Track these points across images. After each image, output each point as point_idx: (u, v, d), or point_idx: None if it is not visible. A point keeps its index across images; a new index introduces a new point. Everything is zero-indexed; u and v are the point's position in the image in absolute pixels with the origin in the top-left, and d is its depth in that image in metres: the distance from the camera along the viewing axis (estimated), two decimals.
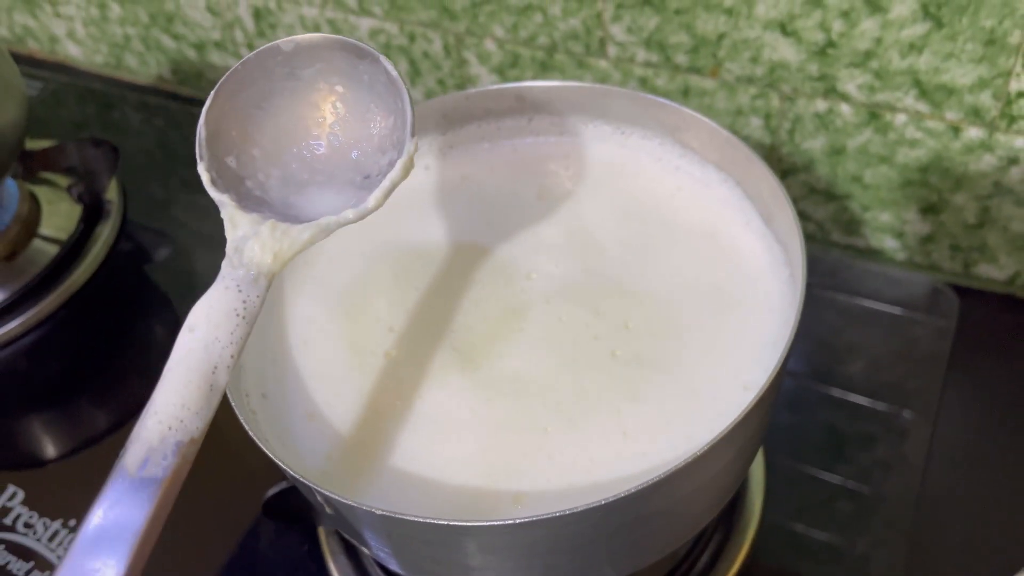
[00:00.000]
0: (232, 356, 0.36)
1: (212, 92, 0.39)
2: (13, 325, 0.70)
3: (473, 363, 0.46)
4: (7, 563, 0.57)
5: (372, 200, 0.38)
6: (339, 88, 0.40)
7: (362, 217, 0.38)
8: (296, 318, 0.50)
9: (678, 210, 0.51)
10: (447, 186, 0.55)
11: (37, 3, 0.93)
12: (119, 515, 0.34)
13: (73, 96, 0.93)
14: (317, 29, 0.78)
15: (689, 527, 0.45)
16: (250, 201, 0.38)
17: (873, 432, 0.58)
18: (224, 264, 0.37)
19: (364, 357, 0.47)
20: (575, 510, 0.35)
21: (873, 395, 0.60)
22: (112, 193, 0.77)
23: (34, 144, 0.79)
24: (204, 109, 0.38)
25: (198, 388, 0.35)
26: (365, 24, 0.75)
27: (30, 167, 0.77)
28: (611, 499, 0.35)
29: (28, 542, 0.58)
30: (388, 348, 0.48)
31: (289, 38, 0.38)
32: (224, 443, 0.62)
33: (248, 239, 0.37)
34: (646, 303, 0.47)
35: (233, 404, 0.41)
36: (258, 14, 0.80)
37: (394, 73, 0.38)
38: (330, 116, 0.40)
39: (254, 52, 0.39)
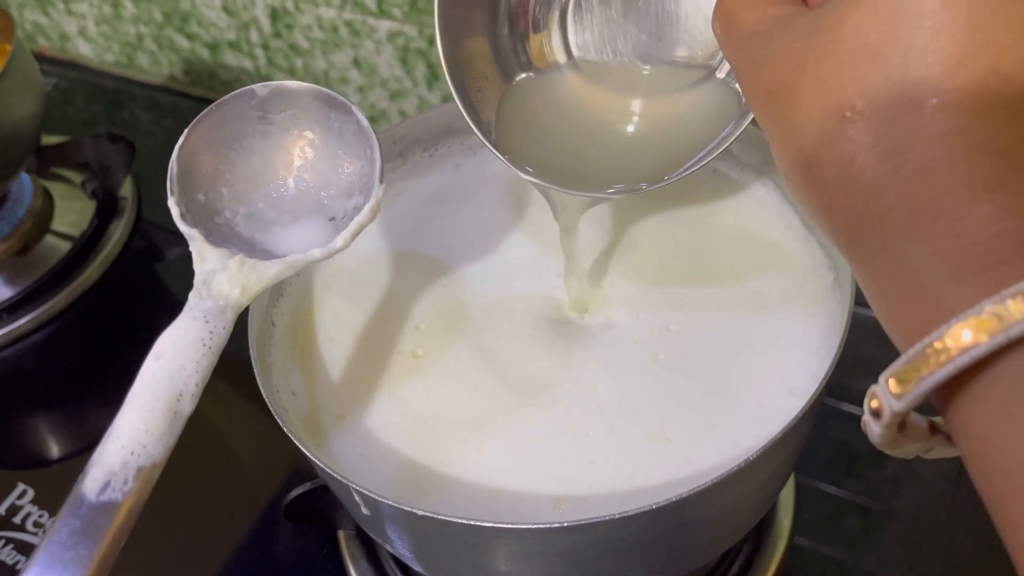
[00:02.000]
0: (197, 385, 0.37)
1: (186, 130, 0.40)
2: (24, 321, 0.69)
3: (504, 365, 0.45)
4: (16, 562, 0.56)
5: (340, 240, 0.39)
6: (309, 134, 0.41)
7: (328, 256, 0.39)
8: (324, 315, 0.48)
9: (716, 213, 0.50)
10: (477, 183, 0.54)
11: (50, 0, 0.92)
12: (76, 539, 0.34)
13: (83, 94, 0.92)
14: (335, 31, 0.77)
15: (730, 534, 0.44)
16: (219, 236, 0.40)
17: None
18: (192, 295, 0.38)
19: (392, 355, 0.46)
20: (625, 514, 0.34)
21: None
22: (127, 190, 0.76)
23: (47, 140, 0.78)
24: (177, 146, 0.39)
25: (162, 414, 0.36)
26: (384, 26, 0.75)
27: (44, 162, 0.76)
28: (663, 503, 0.34)
29: (37, 542, 0.56)
30: (415, 347, 0.47)
31: (264, 83, 0.40)
32: (242, 447, 0.62)
33: (216, 272, 0.38)
34: (687, 306, 0.46)
35: (268, 401, 0.40)
36: (275, 14, 0.80)
37: (365, 123, 0.40)
38: (299, 160, 0.41)
39: (230, 94, 0.40)
